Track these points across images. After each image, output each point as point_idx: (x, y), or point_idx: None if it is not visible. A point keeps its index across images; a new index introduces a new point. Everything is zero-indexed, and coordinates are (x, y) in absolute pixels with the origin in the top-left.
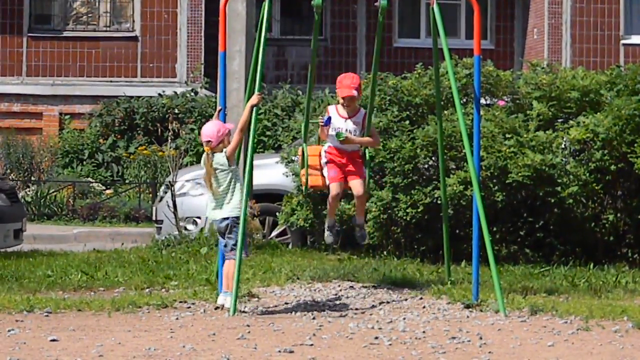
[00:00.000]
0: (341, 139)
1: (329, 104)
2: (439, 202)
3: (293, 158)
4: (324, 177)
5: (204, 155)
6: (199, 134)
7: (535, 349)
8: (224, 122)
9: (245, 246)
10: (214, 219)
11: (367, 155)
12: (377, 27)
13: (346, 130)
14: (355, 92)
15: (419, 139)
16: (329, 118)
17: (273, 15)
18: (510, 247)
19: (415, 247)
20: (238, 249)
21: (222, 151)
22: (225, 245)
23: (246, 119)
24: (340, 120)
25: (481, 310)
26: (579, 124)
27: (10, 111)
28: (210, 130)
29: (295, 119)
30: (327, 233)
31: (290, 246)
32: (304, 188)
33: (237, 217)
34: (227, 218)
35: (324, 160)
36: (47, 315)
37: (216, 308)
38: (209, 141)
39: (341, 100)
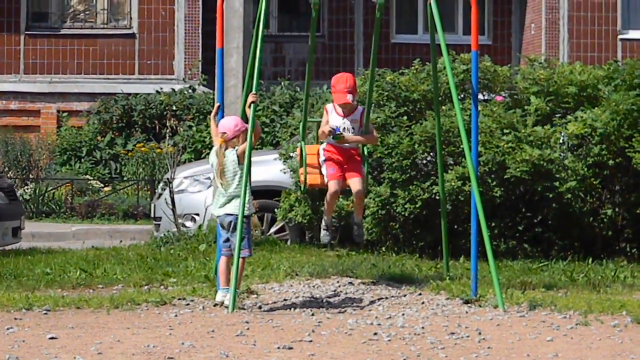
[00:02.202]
0: (338, 139)
1: (326, 101)
2: (437, 197)
3: (291, 154)
4: (322, 175)
5: (216, 147)
6: (197, 130)
7: (534, 344)
8: (222, 115)
9: (249, 245)
10: (218, 214)
11: (365, 152)
12: (374, 23)
13: (344, 128)
14: (349, 98)
15: (416, 135)
16: (337, 129)
17: (270, 12)
18: (508, 243)
19: (414, 242)
20: (237, 246)
21: (234, 147)
22: (226, 240)
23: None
24: (338, 119)
25: (480, 306)
26: (577, 119)
27: (8, 109)
28: (227, 123)
29: (294, 116)
30: (323, 232)
31: (288, 242)
32: (302, 187)
33: (244, 216)
34: (232, 214)
35: (322, 158)
36: (45, 313)
37: (215, 305)
38: (225, 133)
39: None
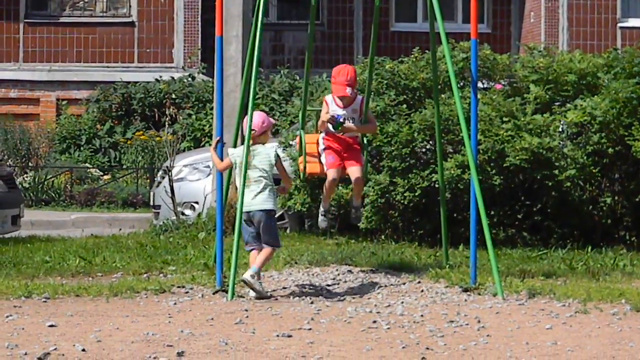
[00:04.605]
0: (338, 128)
1: (325, 90)
2: (436, 185)
3: (291, 142)
4: (321, 164)
5: (246, 144)
6: (197, 119)
7: (533, 332)
8: (222, 146)
9: (277, 236)
10: (249, 209)
11: (364, 140)
12: (374, 11)
13: (344, 118)
14: (348, 91)
15: (416, 123)
16: (339, 117)
17: (270, 0)
18: (508, 231)
19: (413, 231)
20: (235, 236)
21: (263, 144)
22: (257, 236)
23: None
24: (337, 110)
25: (479, 294)
26: (576, 107)
27: (7, 97)
28: (255, 119)
29: (293, 104)
30: (321, 218)
31: (288, 231)
32: (301, 175)
33: (272, 210)
34: (263, 210)
35: (321, 147)
36: (45, 301)
37: (215, 292)
38: (254, 130)
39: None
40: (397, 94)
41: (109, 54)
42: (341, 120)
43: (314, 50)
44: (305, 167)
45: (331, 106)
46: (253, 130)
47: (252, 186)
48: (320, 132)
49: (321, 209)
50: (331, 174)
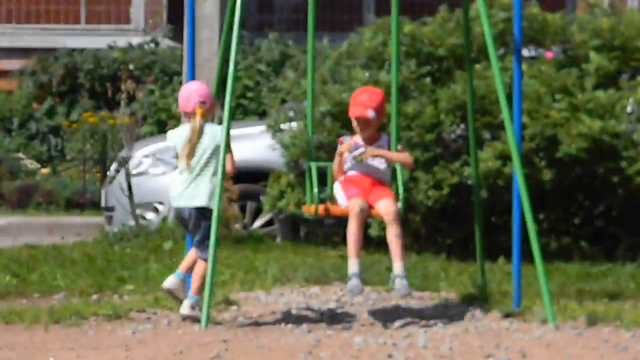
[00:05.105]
0: (357, 159)
1: (325, 59)
2: (469, 182)
3: (281, 126)
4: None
5: (195, 120)
6: (161, 96)
7: None
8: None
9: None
10: (187, 205)
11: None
12: None
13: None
14: (371, 114)
15: (443, 101)
16: (357, 146)
17: None
18: (561, 240)
19: (439, 239)
20: (211, 245)
21: (212, 121)
22: (203, 241)
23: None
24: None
25: (524, 321)
26: None
27: None
28: (203, 89)
29: (285, 77)
30: (353, 281)
31: (278, 239)
32: (310, 213)
33: (206, 208)
34: (203, 207)
35: (338, 192)
36: None
37: (184, 319)
38: (204, 102)
39: (354, 123)
40: (419, 65)
41: (49, 14)
42: (362, 149)
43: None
44: (314, 202)
45: (347, 162)
46: (204, 102)
47: (190, 175)
48: (338, 179)
49: (350, 270)
50: (355, 205)
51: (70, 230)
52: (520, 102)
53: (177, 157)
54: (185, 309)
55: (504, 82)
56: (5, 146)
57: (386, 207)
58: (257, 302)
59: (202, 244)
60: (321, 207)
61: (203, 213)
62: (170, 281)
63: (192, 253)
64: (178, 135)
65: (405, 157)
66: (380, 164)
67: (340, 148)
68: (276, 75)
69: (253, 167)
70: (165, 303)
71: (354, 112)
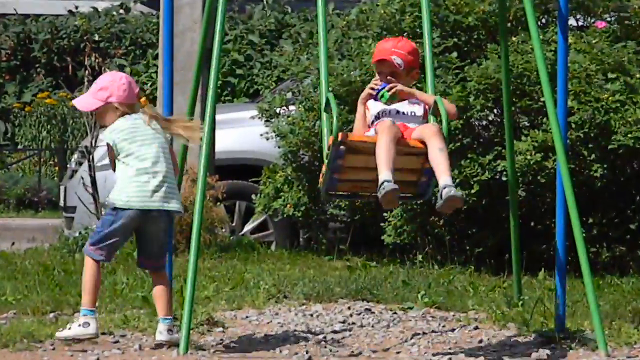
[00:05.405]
0: (384, 99)
1: (332, 28)
2: (503, 178)
3: (277, 111)
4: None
5: (149, 108)
6: (133, 72)
7: None
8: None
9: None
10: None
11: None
12: None
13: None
14: (397, 60)
15: (472, 81)
16: (383, 85)
17: None
18: (615, 249)
19: (467, 248)
20: (192, 253)
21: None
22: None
23: None
24: (378, 106)
25: (570, 348)
26: None
27: None
28: (129, 82)
29: (281, 50)
30: (387, 185)
31: (273, 247)
32: (321, 189)
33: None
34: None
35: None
36: None
37: (158, 345)
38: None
39: (372, 83)
40: (444, 36)
41: None
42: (383, 88)
43: None
44: (326, 179)
45: (372, 107)
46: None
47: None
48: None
49: (383, 174)
50: (385, 126)
51: (22, 235)
52: (566, 82)
53: (115, 157)
54: (161, 335)
55: (547, 58)
56: None
57: (423, 127)
58: (246, 322)
59: (165, 254)
60: (341, 134)
61: (173, 219)
62: (160, 334)
63: (159, 290)
64: (119, 130)
65: (447, 103)
66: (416, 108)
67: (362, 95)
68: (271, 48)
69: (242, 160)
70: (136, 323)
71: (374, 58)
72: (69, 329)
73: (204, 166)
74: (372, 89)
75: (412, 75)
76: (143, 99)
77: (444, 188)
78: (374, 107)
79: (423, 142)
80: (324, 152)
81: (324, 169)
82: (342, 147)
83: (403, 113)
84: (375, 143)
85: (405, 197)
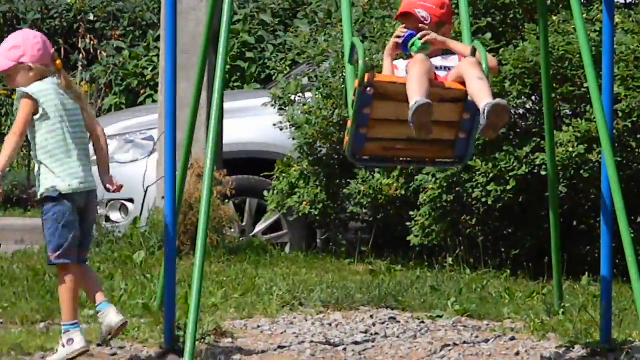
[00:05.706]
0: (416, 48)
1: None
2: (543, 173)
3: (292, 97)
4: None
5: (64, 74)
6: (132, 56)
7: None
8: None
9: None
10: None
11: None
12: None
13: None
14: (422, 12)
15: (508, 65)
16: (411, 33)
17: None
18: None
19: (503, 250)
20: (198, 256)
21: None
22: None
23: None
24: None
25: None
26: None
27: None
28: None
29: (296, 31)
30: (420, 100)
31: (287, 249)
32: (347, 152)
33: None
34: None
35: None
36: None
37: (162, 355)
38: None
39: (397, 31)
40: (476, 16)
41: None
42: (411, 35)
43: None
44: (353, 136)
45: (400, 66)
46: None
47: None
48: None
49: (415, 98)
50: (420, 59)
51: (10, 236)
52: (612, 66)
53: (38, 120)
54: (118, 315)
55: (591, 39)
56: None
57: (459, 63)
58: (258, 332)
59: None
60: (368, 75)
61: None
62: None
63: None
64: (45, 92)
65: (488, 55)
66: (451, 63)
67: (388, 46)
68: (285, 30)
69: (253, 153)
70: (136, 334)
71: (398, 13)
72: (56, 352)
73: (211, 160)
74: (399, 37)
75: (442, 31)
76: (59, 61)
77: (487, 105)
78: (402, 63)
79: (462, 83)
80: (349, 103)
81: (349, 124)
82: (369, 89)
83: (436, 68)
84: (406, 84)
85: (441, 162)
